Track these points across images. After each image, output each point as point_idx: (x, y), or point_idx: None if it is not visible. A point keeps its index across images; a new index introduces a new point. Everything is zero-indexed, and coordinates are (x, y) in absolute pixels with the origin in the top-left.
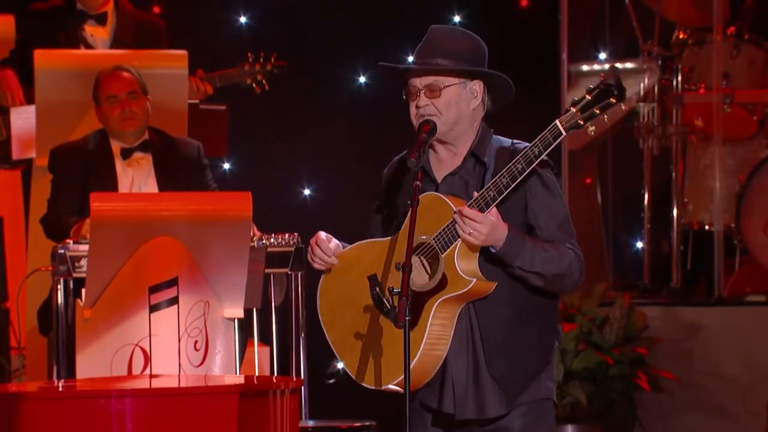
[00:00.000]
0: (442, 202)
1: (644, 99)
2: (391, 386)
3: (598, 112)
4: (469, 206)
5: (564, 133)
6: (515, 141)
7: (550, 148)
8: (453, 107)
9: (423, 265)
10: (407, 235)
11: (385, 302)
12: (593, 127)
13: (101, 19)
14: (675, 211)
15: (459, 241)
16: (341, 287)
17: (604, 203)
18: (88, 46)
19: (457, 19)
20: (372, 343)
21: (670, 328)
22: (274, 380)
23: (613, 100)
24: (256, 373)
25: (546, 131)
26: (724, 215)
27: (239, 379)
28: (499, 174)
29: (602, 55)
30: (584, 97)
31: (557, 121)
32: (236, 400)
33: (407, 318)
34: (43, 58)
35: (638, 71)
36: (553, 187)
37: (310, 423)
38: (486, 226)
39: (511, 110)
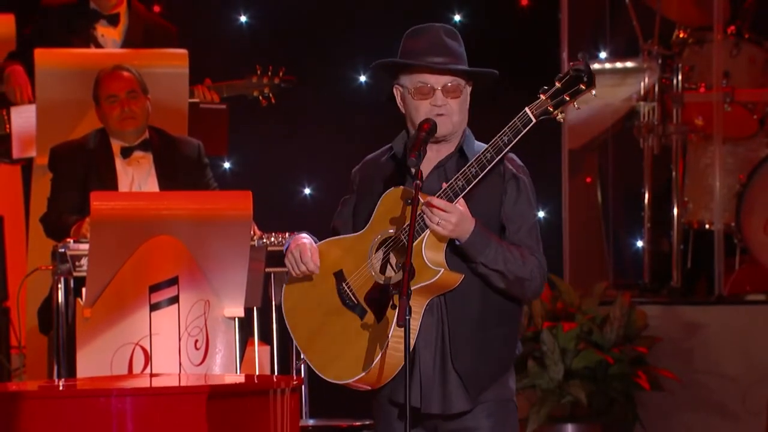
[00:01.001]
0: (410, 195)
1: (644, 98)
2: (353, 382)
3: (567, 98)
4: (438, 197)
5: (534, 120)
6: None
7: (519, 136)
8: (463, 107)
9: (388, 259)
10: (411, 233)
11: (351, 298)
12: (563, 114)
13: (113, 20)
14: (675, 210)
15: (427, 232)
16: (307, 285)
17: (604, 202)
18: (98, 46)
19: (457, 18)
20: (337, 339)
21: (671, 327)
22: (275, 379)
23: (582, 87)
24: (257, 372)
25: (515, 119)
26: (725, 214)
27: (239, 378)
28: (468, 164)
29: (603, 54)
30: (554, 85)
31: (527, 108)
32: (237, 401)
33: (407, 317)
34: (43, 57)
35: (638, 70)
36: (526, 192)
37: (311, 422)
38: (454, 215)
39: (510, 109)
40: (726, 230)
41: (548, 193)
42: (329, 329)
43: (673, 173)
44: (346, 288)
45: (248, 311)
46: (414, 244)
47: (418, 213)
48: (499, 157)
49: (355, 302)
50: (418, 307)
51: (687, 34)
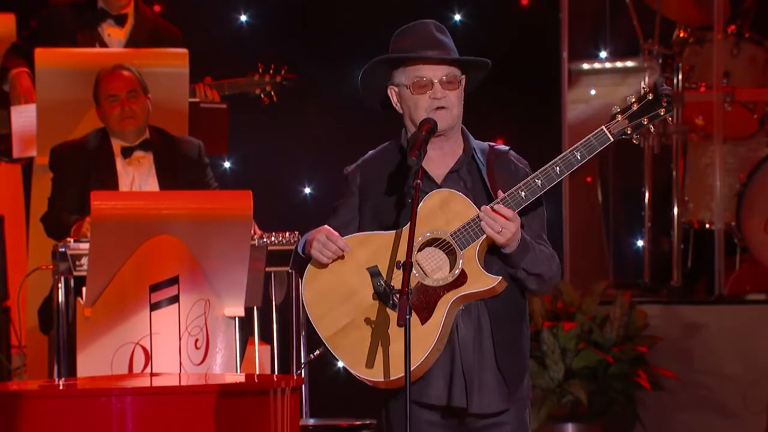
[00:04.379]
0: (460, 200)
1: None
2: (391, 380)
3: (646, 122)
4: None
5: (612, 139)
6: (491, 143)
7: (593, 154)
8: (461, 100)
9: (439, 259)
10: (411, 233)
11: (391, 296)
12: (638, 137)
13: (120, 20)
14: (675, 210)
15: (481, 239)
16: (332, 278)
17: (604, 202)
18: (103, 45)
19: (457, 18)
20: (375, 336)
21: (671, 326)
22: (275, 379)
23: (662, 112)
24: (257, 372)
25: (591, 136)
26: (725, 214)
27: (240, 378)
28: (532, 176)
29: (603, 54)
30: (631, 106)
31: (604, 128)
32: (237, 400)
33: (408, 317)
34: (43, 57)
35: (639, 70)
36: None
37: (311, 421)
38: (516, 225)
39: (512, 108)
40: (726, 230)
41: (548, 193)
42: (362, 325)
43: (674, 173)
44: (383, 285)
45: (248, 311)
46: (465, 250)
47: (471, 218)
48: (569, 172)
49: (395, 301)
50: (457, 311)
51: (687, 34)
